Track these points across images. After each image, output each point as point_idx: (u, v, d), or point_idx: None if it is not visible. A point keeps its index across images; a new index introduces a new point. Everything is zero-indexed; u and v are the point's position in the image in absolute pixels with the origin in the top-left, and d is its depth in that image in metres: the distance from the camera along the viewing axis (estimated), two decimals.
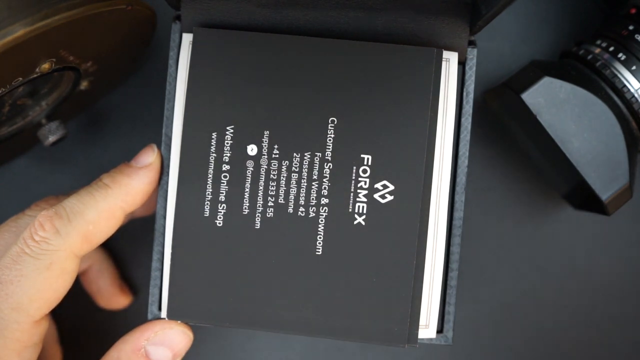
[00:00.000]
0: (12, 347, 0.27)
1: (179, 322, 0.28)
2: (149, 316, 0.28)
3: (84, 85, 0.33)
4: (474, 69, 0.28)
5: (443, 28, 0.28)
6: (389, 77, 0.27)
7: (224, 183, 0.27)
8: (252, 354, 0.38)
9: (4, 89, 0.28)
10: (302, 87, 0.27)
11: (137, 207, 0.29)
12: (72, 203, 0.27)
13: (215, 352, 0.38)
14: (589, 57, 0.32)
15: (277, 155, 0.27)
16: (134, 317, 0.37)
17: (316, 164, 0.27)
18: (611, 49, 0.32)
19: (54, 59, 0.28)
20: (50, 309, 0.27)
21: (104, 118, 0.38)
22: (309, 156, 0.27)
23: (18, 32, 0.25)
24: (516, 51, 0.37)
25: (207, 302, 0.27)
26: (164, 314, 0.28)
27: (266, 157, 0.27)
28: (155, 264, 0.28)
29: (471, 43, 0.28)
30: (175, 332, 0.28)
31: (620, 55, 0.32)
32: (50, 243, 0.26)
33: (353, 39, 0.28)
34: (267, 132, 0.27)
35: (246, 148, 0.27)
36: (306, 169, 0.27)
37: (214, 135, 0.27)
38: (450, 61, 0.28)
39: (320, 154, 0.27)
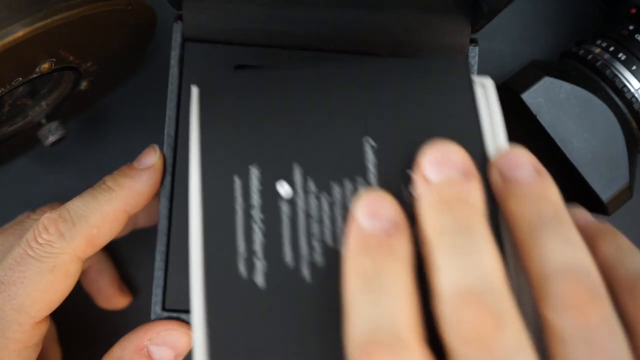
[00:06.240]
0: (12, 347, 0.27)
1: (182, 323, 0.28)
2: (152, 316, 0.28)
3: (84, 85, 0.33)
4: (476, 67, 0.28)
5: (445, 26, 0.28)
6: (423, 94, 0.24)
7: (257, 232, 0.23)
8: None
9: (4, 89, 0.28)
10: (325, 111, 0.23)
11: (140, 209, 0.29)
12: (77, 206, 0.27)
13: None
14: (589, 57, 0.32)
15: (314, 190, 0.23)
16: (134, 317, 0.37)
17: (359, 190, 0.23)
18: (611, 49, 0.32)
19: (54, 59, 0.28)
20: (52, 310, 0.27)
21: (104, 118, 0.38)
22: (350, 183, 0.23)
23: (18, 32, 0.25)
24: (516, 51, 0.37)
25: None
26: None
27: (301, 194, 0.23)
28: (158, 264, 0.28)
29: (473, 41, 0.28)
30: (178, 333, 0.28)
31: (620, 55, 0.32)
32: (54, 246, 0.26)
33: (355, 37, 0.28)
34: (297, 165, 0.23)
35: (276, 187, 0.23)
36: (350, 199, 0.22)
37: (237, 179, 0.23)
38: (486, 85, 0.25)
39: (361, 178, 0.23)
